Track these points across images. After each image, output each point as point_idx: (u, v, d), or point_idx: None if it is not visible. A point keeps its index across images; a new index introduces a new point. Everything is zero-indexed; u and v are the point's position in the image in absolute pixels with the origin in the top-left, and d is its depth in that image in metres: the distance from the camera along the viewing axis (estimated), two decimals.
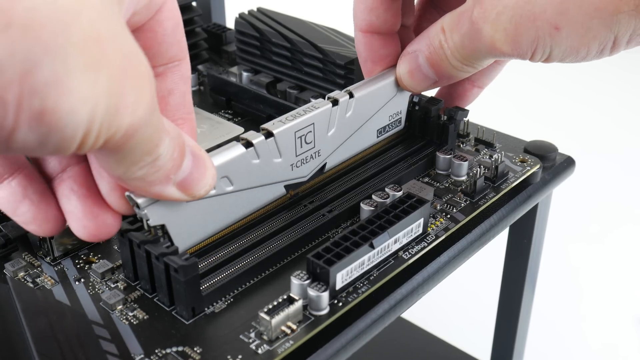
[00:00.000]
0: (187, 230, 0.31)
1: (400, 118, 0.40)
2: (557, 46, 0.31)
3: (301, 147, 0.34)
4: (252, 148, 0.32)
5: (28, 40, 0.19)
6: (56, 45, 0.19)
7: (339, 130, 0.36)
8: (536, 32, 0.30)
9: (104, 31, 0.21)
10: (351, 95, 0.36)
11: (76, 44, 0.20)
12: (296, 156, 0.34)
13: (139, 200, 0.28)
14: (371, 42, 0.37)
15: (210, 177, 0.28)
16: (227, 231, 0.33)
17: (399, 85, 0.38)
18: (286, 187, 0.35)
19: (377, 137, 0.40)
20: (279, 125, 0.33)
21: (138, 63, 0.22)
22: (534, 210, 0.44)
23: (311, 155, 0.35)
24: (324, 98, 0.36)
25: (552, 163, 0.43)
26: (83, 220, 0.27)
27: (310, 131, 0.34)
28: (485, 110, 0.66)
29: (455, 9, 0.34)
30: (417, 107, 0.41)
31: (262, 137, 0.32)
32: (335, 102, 0.36)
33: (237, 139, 0.33)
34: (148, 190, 0.26)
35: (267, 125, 0.33)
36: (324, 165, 0.37)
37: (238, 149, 0.31)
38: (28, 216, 0.27)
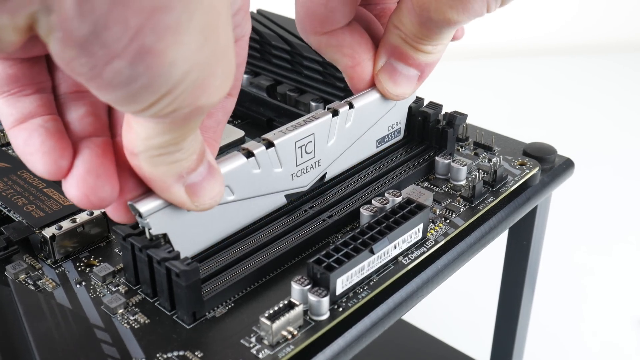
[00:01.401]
0: (189, 239, 0.31)
1: (400, 128, 0.41)
2: None
3: (301, 157, 0.35)
4: (253, 158, 0.32)
5: None
6: (184, 3, 0.20)
7: (339, 140, 0.37)
8: None
9: (223, 11, 0.22)
10: (351, 106, 0.36)
11: (204, 6, 0.20)
12: (296, 166, 0.35)
13: (142, 210, 0.28)
14: (338, 39, 0.35)
15: (219, 191, 0.28)
16: (228, 236, 0.33)
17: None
18: (287, 196, 0.35)
19: (377, 147, 0.40)
20: (280, 136, 0.33)
21: (232, 57, 0.23)
22: (533, 213, 0.44)
23: (311, 165, 0.36)
24: (324, 107, 0.36)
25: (551, 165, 0.43)
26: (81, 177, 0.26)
27: (311, 141, 0.35)
28: (484, 112, 0.67)
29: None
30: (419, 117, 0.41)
31: (263, 147, 0.33)
32: (335, 113, 0.36)
33: (240, 143, 0.33)
34: (157, 181, 0.26)
35: (267, 136, 0.33)
36: (324, 175, 0.37)
37: (239, 159, 0.32)
38: (34, 153, 0.26)
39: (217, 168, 0.28)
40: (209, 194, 0.28)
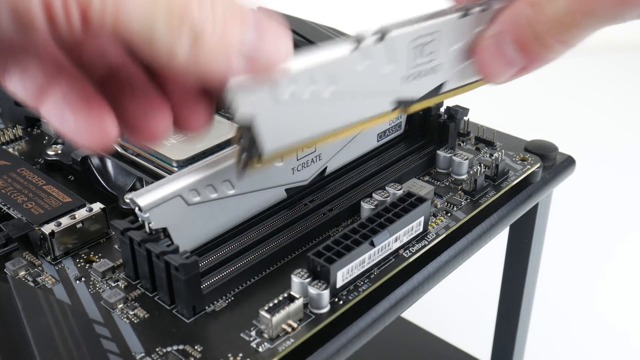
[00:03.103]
0: (189, 233, 0.31)
1: (400, 122, 0.41)
2: None
3: (302, 150, 0.34)
4: None
5: None
6: None
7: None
8: None
9: None
10: None
11: None
12: (297, 160, 0.34)
13: (141, 204, 0.28)
14: None
15: (286, 45, 0.24)
16: (228, 230, 0.33)
17: None
18: (287, 190, 0.35)
19: (377, 141, 0.40)
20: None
21: None
22: (534, 210, 0.44)
23: (312, 159, 0.35)
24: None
25: (552, 162, 0.43)
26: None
27: None
28: (486, 109, 0.66)
29: None
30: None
31: None
32: None
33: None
34: (214, 67, 0.23)
35: None
36: (325, 169, 0.37)
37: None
38: (70, 124, 0.24)
39: (271, 22, 0.24)
40: (271, 50, 0.24)
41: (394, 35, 0.28)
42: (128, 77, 0.26)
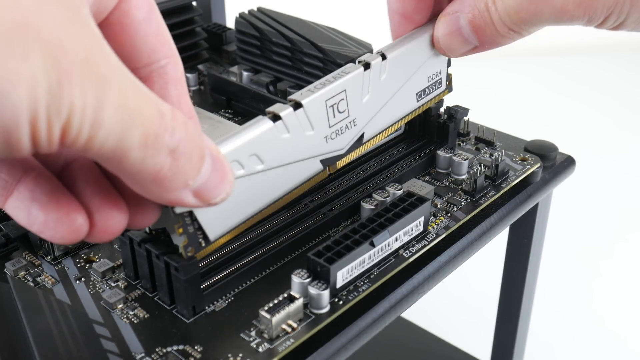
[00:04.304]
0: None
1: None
2: (637, 12, 0.29)
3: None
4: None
5: None
6: None
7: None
8: None
9: (27, 2, 0.19)
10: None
11: None
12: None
13: None
14: None
15: (229, 183, 0.26)
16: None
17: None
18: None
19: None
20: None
21: (77, 34, 0.20)
22: (534, 210, 0.44)
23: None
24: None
25: (552, 162, 0.43)
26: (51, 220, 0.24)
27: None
28: (486, 109, 0.66)
29: None
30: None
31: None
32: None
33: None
34: (163, 197, 0.24)
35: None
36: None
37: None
38: (39, 220, 0.24)
39: (220, 157, 0.25)
40: (218, 189, 0.25)
41: (306, 102, 0.30)
42: (82, 167, 0.26)
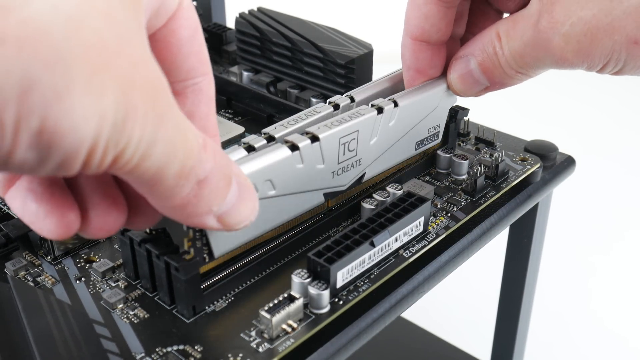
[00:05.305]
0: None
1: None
2: (633, 60, 0.30)
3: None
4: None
5: (24, 55, 0.17)
6: (55, 59, 0.18)
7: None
8: (612, 45, 0.30)
9: (110, 39, 0.19)
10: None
11: (78, 55, 0.18)
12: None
13: None
14: (420, 50, 0.36)
15: (253, 210, 0.26)
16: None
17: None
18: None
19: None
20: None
21: (147, 72, 0.21)
22: (534, 210, 0.44)
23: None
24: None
25: (552, 162, 0.43)
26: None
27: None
28: (486, 109, 0.66)
29: (511, 15, 0.33)
30: None
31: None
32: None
33: (240, 139, 0.31)
34: (186, 220, 0.25)
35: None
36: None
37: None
38: (31, 210, 0.24)
39: (247, 185, 0.26)
40: (242, 216, 0.26)
41: (323, 136, 0.32)
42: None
